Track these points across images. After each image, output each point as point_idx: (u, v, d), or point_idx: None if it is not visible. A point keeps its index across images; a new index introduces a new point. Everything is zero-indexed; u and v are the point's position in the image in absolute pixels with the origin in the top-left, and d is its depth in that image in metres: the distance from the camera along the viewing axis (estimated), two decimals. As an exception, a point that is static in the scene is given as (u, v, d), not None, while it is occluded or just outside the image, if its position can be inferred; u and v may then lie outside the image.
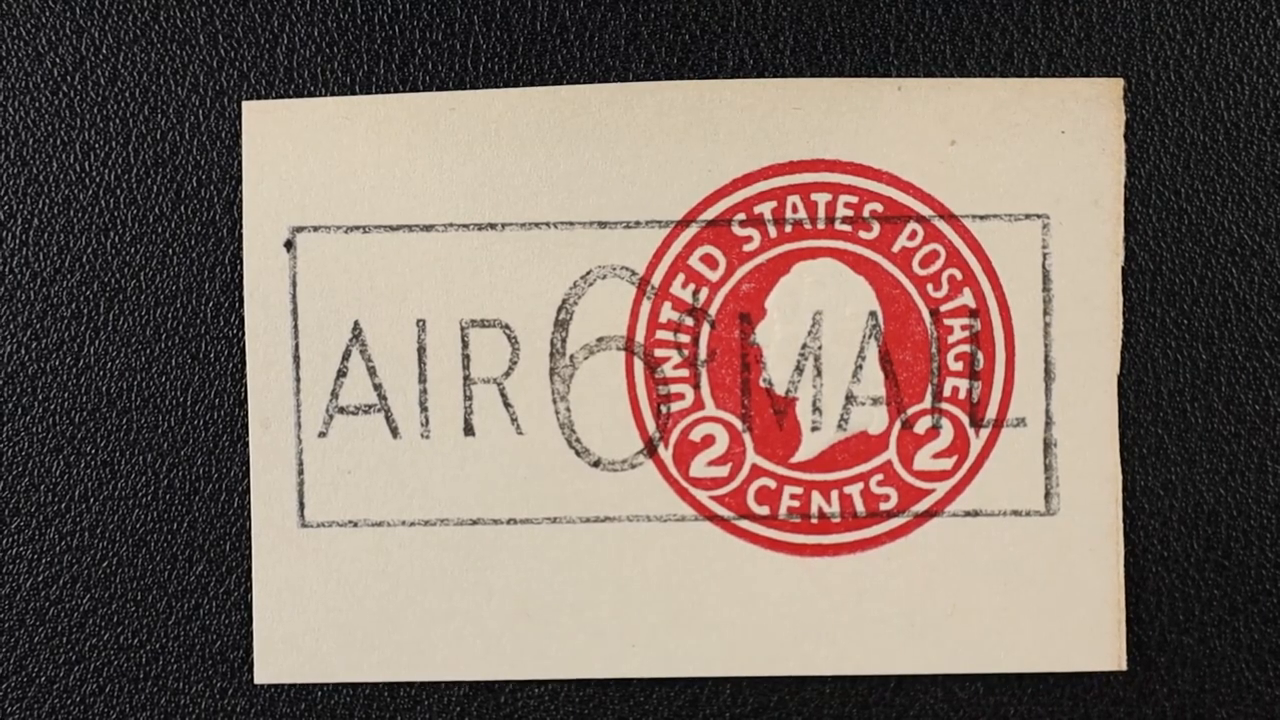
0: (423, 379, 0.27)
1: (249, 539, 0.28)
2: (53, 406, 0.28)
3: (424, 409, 0.27)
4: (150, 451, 0.28)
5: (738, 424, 0.27)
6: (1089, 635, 0.27)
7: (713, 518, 0.27)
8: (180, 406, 0.28)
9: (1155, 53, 0.27)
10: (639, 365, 0.27)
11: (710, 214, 0.27)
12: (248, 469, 0.28)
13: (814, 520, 0.27)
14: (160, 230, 0.28)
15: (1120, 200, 0.27)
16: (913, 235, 0.27)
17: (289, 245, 0.27)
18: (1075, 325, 0.27)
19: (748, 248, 0.27)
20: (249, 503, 0.28)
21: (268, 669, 0.28)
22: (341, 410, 0.27)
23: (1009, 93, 0.27)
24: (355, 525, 0.27)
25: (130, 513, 0.28)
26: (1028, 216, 0.27)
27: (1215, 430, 0.28)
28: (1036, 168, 0.27)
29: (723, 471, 0.27)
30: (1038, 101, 0.27)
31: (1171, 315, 0.28)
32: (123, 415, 0.28)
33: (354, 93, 0.28)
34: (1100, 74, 0.27)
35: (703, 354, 0.27)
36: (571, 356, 0.27)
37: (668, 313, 0.27)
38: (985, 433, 0.27)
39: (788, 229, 0.27)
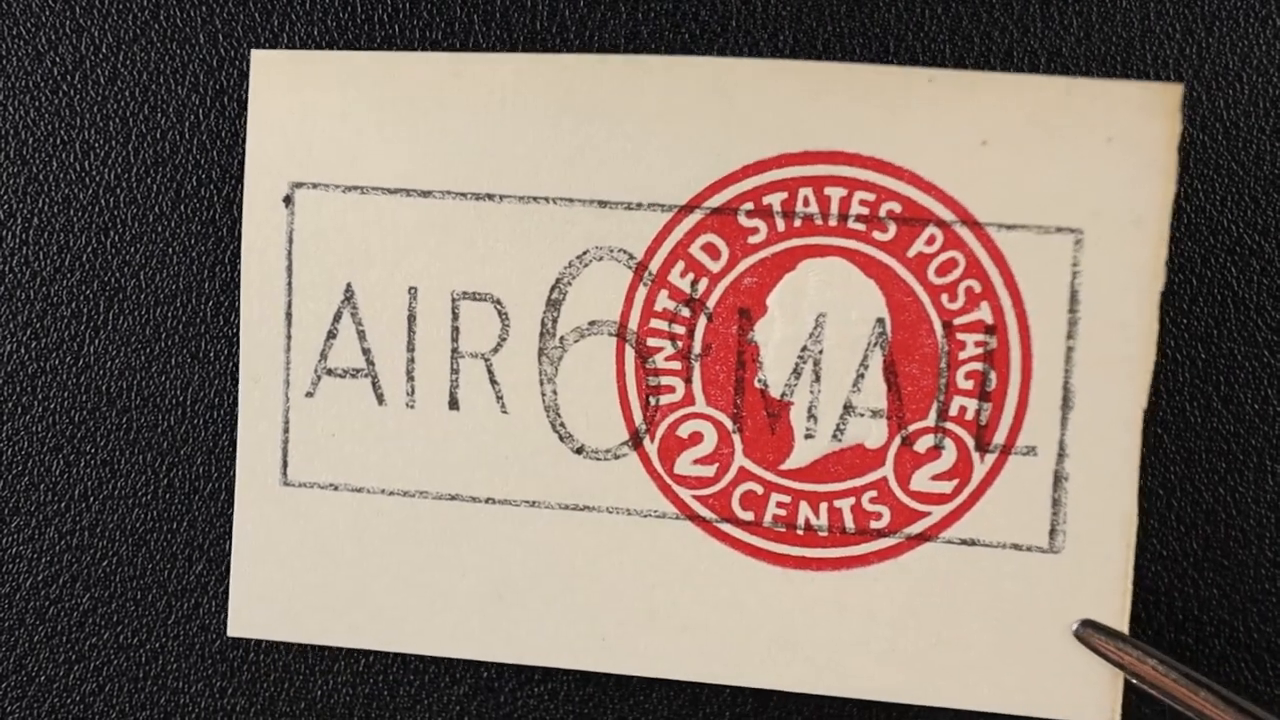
0: (411, 348, 0.27)
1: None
2: (53, 406, 0.28)
3: (410, 378, 0.27)
4: (150, 451, 0.28)
5: (728, 423, 0.26)
6: (1082, 685, 0.25)
7: (694, 518, 0.26)
8: (180, 406, 0.28)
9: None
10: (630, 353, 0.26)
11: (716, 201, 0.26)
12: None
13: (800, 531, 0.26)
14: (160, 229, 0.28)
15: (1166, 221, 0.24)
16: (931, 240, 0.25)
17: (288, 201, 0.27)
18: (1102, 353, 0.25)
19: (753, 239, 0.26)
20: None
21: (241, 623, 0.28)
22: (329, 372, 0.27)
23: (1052, 92, 0.25)
24: (336, 489, 0.27)
25: (130, 512, 0.28)
26: (1059, 230, 0.25)
27: (1215, 430, 0.27)
28: (1074, 177, 0.25)
29: (709, 471, 0.26)
30: (1084, 104, 0.24)
31: (1171, 315, 0.26)
32: (123, 415, 0.28)
33: (361, 48, 0.27)
34: (1155, 77, 0.25)
35: (697, 347, 0.26)
36: (562, 338, 0.26)
37: (664, 301, 0.26)
38: (991, 458, 0.25)
39: (797, 223, 0.25)
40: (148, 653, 0.29)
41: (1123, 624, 0.25)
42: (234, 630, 0.28)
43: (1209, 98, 0.26)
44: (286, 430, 0.27)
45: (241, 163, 0.27)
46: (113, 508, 0.28)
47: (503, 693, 0.28)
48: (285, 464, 0.27)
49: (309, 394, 0.27)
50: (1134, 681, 0.25)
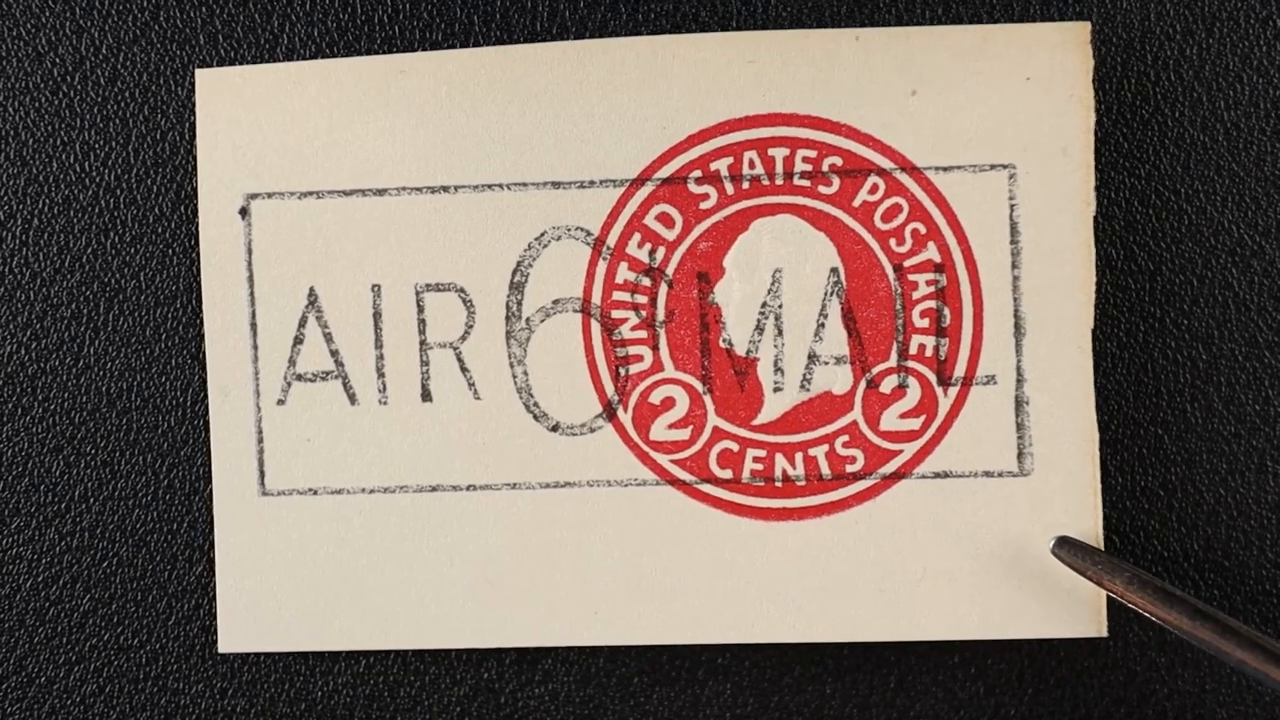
0: (379, 345, 0.27)
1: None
2: (53, 407, 0.28)
3: (381, 375, 0.27)
4: (151, 452, 0.28)
5: (698, 385, 0.27)
6: (1067, 601, 0.26)
7: (674, 482, 0.27)
8: (181, 407, 0.28)
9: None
10: (596, 327, 0.27)
11: (665, 172, 0.27)
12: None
13: (778, 483, 0.27)
14: (160, 230, 0.28)
15: (1090, 148, 0.26)
16: (874, 189, 0.26)
17: (243, 212, 0.27)
18: (1045, 279, 0.26)
19: (704, 205, 0.27)
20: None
21: (231, 638, 0.27)
22: (299, 378, 0.27)
23: (971, 40, 0.26)
24: (315, 493, 0.27)
25: (130, 513, 0.28)
26: (993, 167, 0.26)
27: (1215, 430, 0.27)
28: (1001, 116, 0.26)
29: (683, 434, 0.27)
30: (1001, 48, 0.26)
31: (1171, 315, 0.27)
32: (123, 416, 0.28)
33: (305, 58, 0.27)
34: (1066, 18, 0.26)
35: (661, 315, 0.27)
36: (528, 319, 0.27)
37: (624, 273, 0.27)
38: (954, 391, 0.26)
39: (745, 185, 0.27)
40: (148, 654, 0.28)
41: (1096, 537, 0.26)
42: (225, 646, 0.27)
43: (1209, 99, 0.27)
44: (260, 440, 0.27)
45: (196, 129, 0.27)
46: (113, 509, 0.28)
47: (503, 693, 0.28)
48: (262, 474, 0.27)
49: (280, 401, 0.27)
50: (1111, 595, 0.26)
